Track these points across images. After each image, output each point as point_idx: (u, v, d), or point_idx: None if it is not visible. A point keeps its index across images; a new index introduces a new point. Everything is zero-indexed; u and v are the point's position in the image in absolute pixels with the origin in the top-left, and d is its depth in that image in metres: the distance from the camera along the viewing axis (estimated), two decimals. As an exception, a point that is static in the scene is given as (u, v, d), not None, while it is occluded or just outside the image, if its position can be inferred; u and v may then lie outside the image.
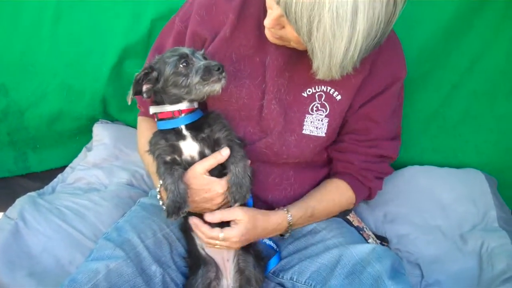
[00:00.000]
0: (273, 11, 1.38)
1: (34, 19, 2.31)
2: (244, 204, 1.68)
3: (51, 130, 2.52)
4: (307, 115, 1.69)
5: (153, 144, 1.60)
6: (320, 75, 1.37)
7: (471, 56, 2.09)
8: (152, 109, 1.60)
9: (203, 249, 1.71)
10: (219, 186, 1.56)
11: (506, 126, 2.15)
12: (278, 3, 1.31)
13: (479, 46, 2.06)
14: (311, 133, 1.71)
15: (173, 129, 1.56)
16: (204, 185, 1.56)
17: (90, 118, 2.53)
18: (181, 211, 1.48)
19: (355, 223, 1.93)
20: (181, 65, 1.48)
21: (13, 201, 2.03)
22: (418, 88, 2.06)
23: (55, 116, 2.47)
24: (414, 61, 1.96)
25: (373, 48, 1.32)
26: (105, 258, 1.55)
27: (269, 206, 1.78)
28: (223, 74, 1.47)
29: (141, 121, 1.94)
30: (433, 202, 2.11)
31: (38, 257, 1.84)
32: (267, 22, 1.45)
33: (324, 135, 1.72)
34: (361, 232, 1.90)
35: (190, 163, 1.59)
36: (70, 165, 2.46)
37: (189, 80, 1.47)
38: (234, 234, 1.57)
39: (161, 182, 1.55)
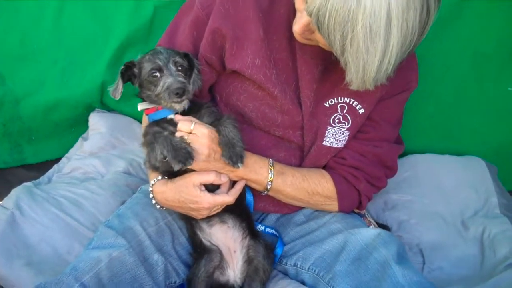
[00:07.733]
0: (303, 16, 1.34)
1: (36, 6, 2.29)
2: (242, 200, 1.70)
3: (46, 120, 2.47)
4: (329, 127, 1.68)
5: (146, 132, 1.60)
6: (354, 87, 1.34)
7: (461, 43, 2.16)
8: (140, 106, 1.64)
9: (208, 240, 1.71)
10: (207, 202, 1.56)
11: (494, 108, 2.25)
12: (309, 15, 1.27)
13: (468, 33, 2.14)
14: (331, 145, 1.70)
15: (164, 118, 1.61)
16: (193, 196, 1.56)
17: (86, 106, 2.49)
18: (190, 155, 1.44)
19: (356, 210, 1.91)
20: (153, 75, 1.54)
21: (9, 191, 1.99)
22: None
23: (51, 105, 2.43)
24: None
25: (406, 57, 1.29)
26: (107, 246, 1.53)
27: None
28: (183, 97, 1.52)
29: None
30: (434, 188, 2.11)
31: (36, 247, 1.81)
32: (296, 27, 1.42)
33: (342, 146, 1.71)
34: (362, 218, 1.88)
35: None
36: (66, 155, 2.42)
37: (157, 90, 1.54)
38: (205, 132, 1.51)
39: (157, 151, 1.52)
